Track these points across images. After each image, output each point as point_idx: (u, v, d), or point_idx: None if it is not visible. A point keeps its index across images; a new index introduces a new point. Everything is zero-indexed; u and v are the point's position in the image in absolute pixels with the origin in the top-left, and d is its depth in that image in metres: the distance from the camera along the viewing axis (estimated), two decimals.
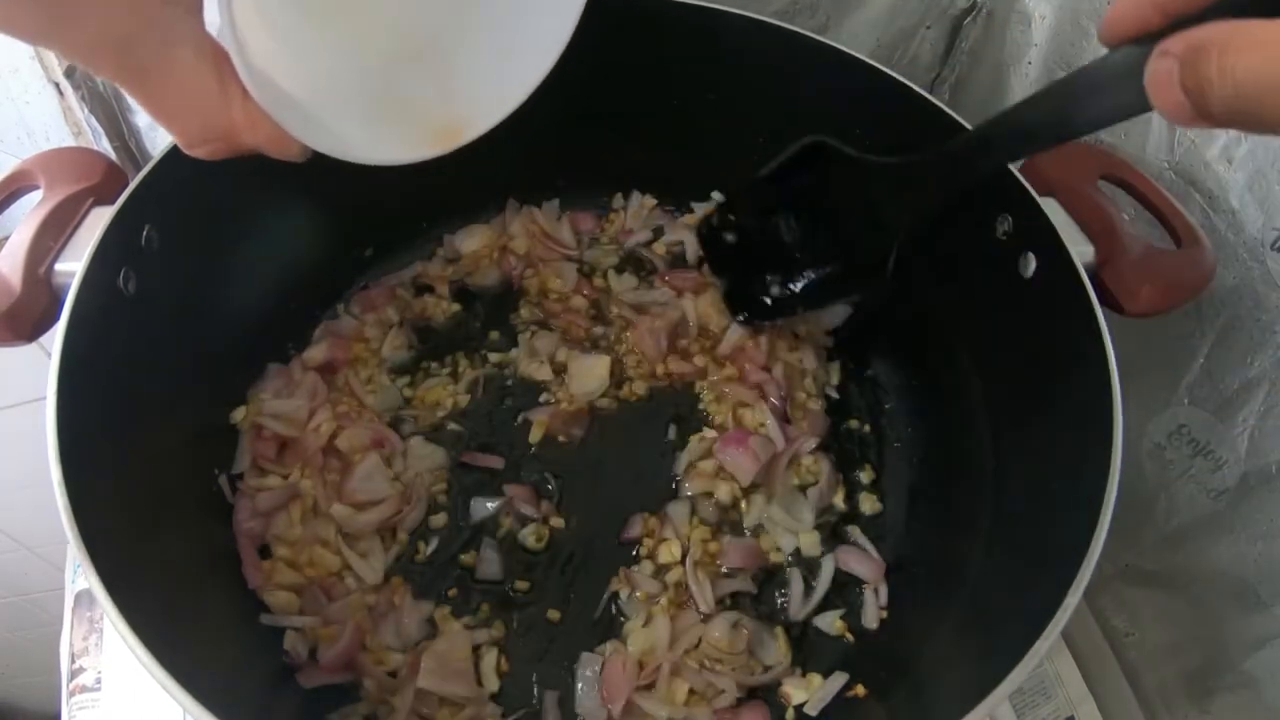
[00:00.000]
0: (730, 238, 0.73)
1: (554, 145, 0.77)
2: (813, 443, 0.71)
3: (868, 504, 0.71)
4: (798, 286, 0.70)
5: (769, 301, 0.72)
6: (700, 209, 0.83)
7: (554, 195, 0.84)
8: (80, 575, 0.82)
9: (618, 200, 0.85)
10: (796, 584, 0.67)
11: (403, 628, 0.62)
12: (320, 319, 0.76)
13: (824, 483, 0.70)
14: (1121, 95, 0.38)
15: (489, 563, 0.66)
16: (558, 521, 0.68)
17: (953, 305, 0.69)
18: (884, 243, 0.61)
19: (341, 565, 0.63)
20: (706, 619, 0.63)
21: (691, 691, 0.61)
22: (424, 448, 0.70)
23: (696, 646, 0.62)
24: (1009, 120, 0.51)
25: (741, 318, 0.75)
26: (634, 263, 0.83)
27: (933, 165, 0.57)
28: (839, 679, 0.62)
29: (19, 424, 0.95)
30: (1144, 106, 0.36)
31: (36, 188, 0.58)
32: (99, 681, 0.75)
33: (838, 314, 0.78)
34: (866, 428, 0.75)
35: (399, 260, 0.81)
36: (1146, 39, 0.35)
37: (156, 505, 0.55)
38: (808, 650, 0.65)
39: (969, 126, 0.61)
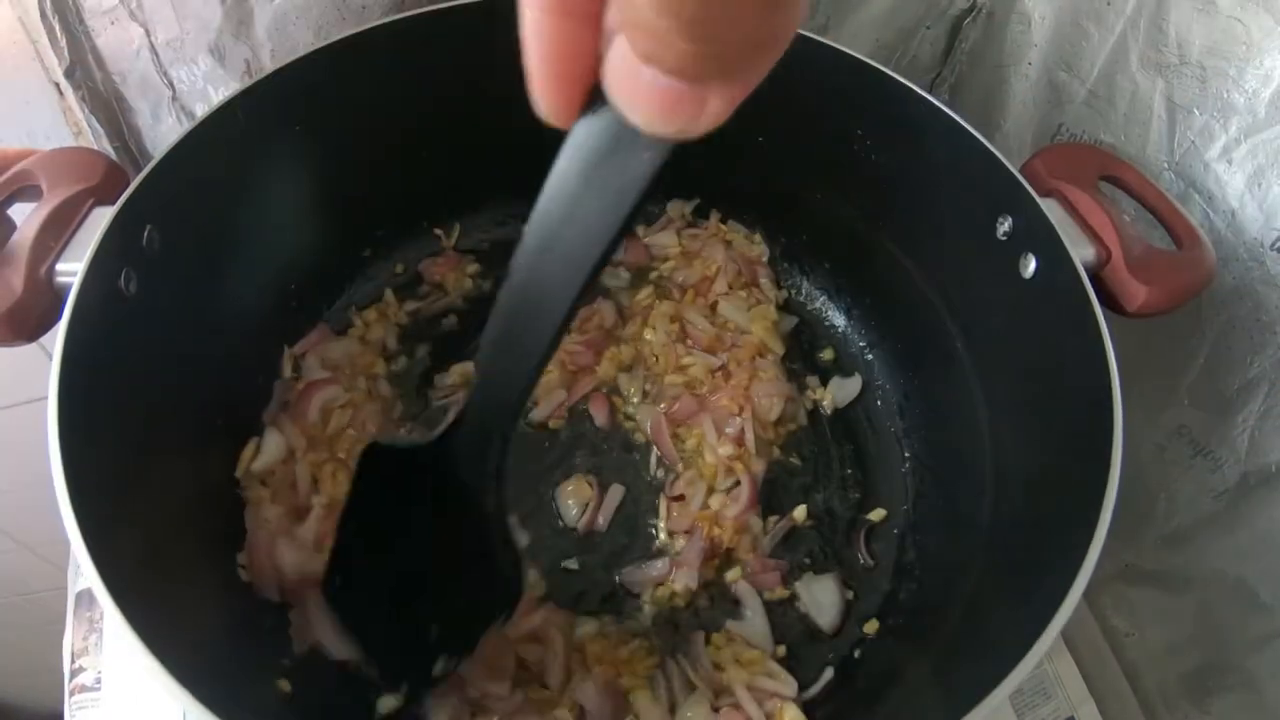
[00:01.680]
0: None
1: (552, 145, 0.78)
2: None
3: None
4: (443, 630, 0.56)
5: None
6: (671, 207, 0.83)
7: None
8: (81, 575, 0.82)
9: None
10: None
11: None
12: (320, 318, 0.76)
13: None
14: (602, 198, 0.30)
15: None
16: None
17: (953, 306, 0.69)
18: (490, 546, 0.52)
19: None
20: None
21: None
22: None
23: None
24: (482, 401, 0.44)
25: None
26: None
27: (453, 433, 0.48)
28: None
29: (19, 424, 0.95)
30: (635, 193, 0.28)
31: (37, 188, 0.58)
32: (99, 681, 0.75)
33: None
34: None
35: (399, 260, 0.81)
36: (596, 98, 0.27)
37: (157, 505, 0.55)
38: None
39: (968, 127, 0.61)
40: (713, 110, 0.25)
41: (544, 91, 0.28)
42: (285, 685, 0.58)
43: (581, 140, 0.30)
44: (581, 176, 0.31)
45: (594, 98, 0.27)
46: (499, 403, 0.43)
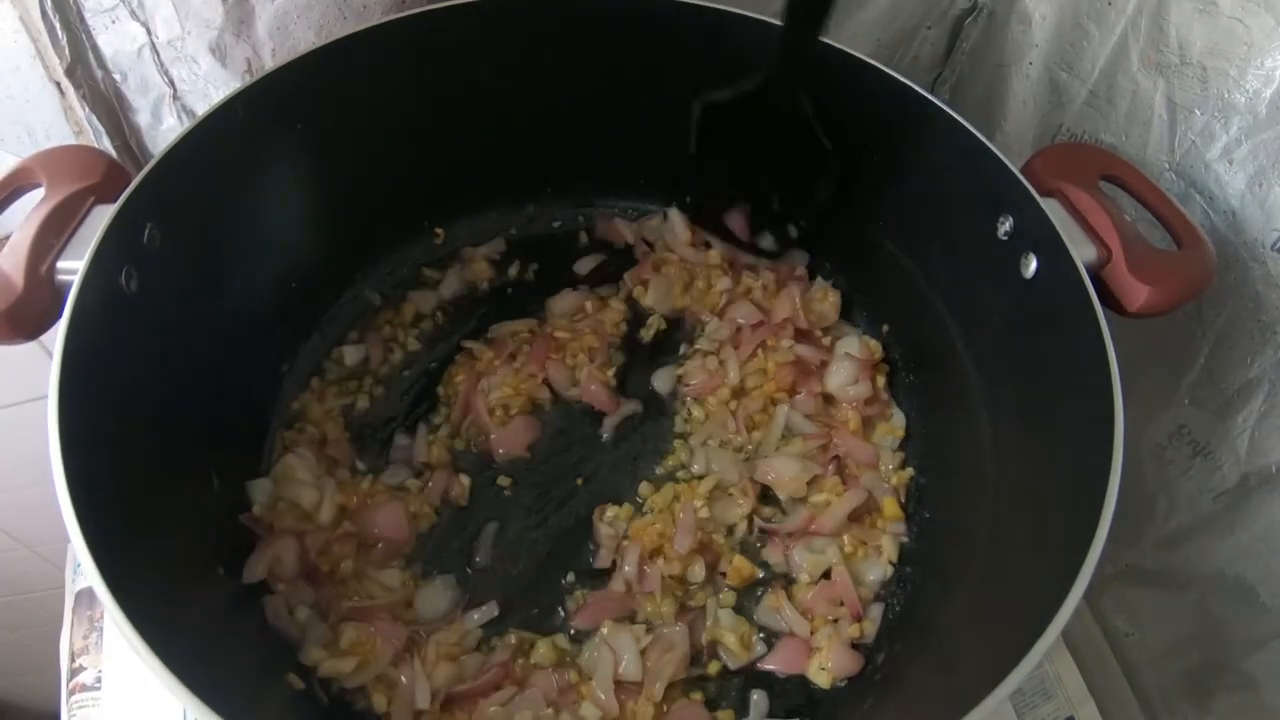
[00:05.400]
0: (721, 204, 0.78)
1: (551, 144, 0.78)
2: None
3: None
4: (784, 200, 0.76)
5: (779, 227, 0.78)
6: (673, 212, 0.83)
7: (549, 194, 0.84)
8: (80, 574, 0.82)
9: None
10: None
11: None
12: (321, 319, 0.77)
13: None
14: None
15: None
16: None
17: (953, 305, 0.69)
18: (806, 128, 0.67)
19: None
20: None
21: None
22: None
23: None
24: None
25: (769, 244, 0.79)
26: None
27: (773, 66, 0.64)
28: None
29: (19, 423, 0.95)
30: None
31: (38, 186, 0.58)
32: (99, 680, 0.75)
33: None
34: None
35: (399, 259, 0.81)
36: None
37: (157, 504, 0.55)
38: None
39: (969, 127, 0.61)
40: None
41: None
42: (297, 681, 0.58)
43: None
44: None
45: None
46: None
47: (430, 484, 0.70)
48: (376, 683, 0.60)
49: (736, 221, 0.79)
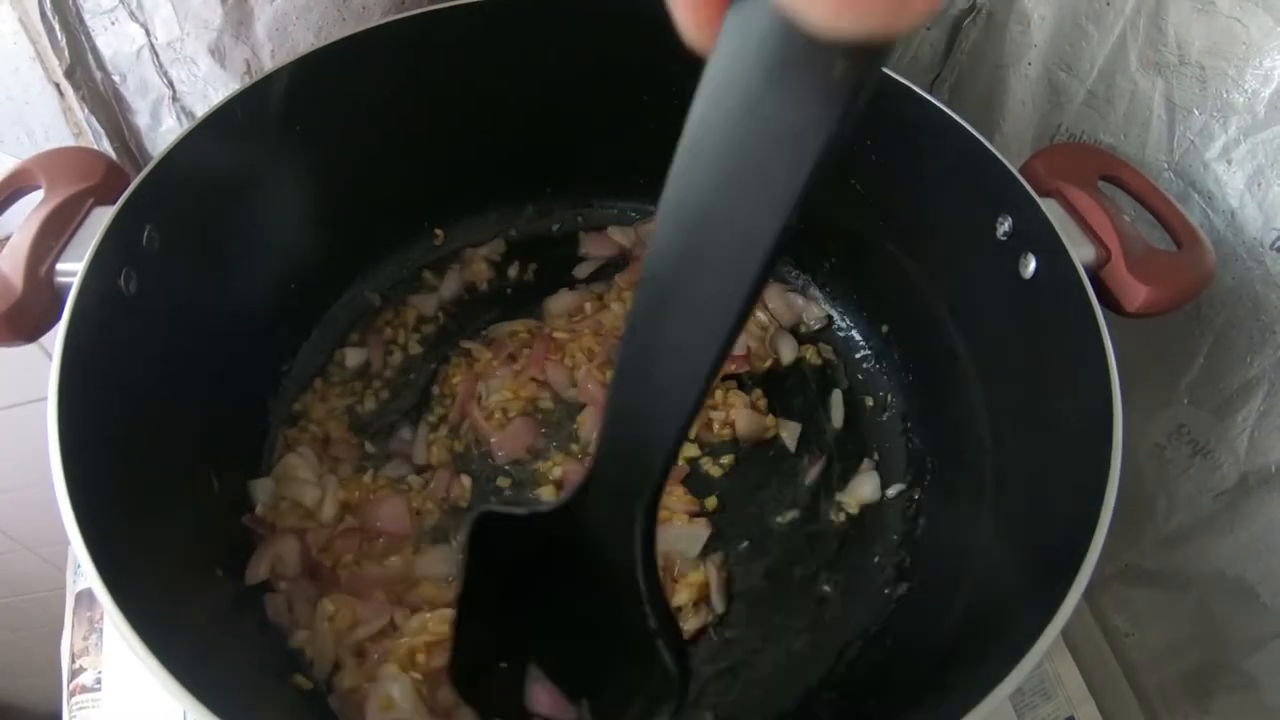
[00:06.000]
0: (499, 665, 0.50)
1: (551, 144, 0.78)
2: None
3: None
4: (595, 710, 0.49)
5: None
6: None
7: (549, 194, 0.84)
8: (80, 575, 0.82)
9: None
10: None
11: None
12: (321, 320, 0.77)
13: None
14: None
15: None
16: None
17: (953, 306, 0.69)
18: (641, 618, 0.41)
19: None
20: None
21: None
22: None
23: None
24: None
25: None
26: None
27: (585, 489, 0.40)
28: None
29: (19, 424, 0.95)
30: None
31: (37, 188, 0.58)
32: (99, 681, 0.75)
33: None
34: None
35: (399, 260, 0.81)
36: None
37: (157, 504, 0.55)
38: None
39: (968, 127, 0.61)
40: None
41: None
42: (304, 681, 0.59)
43: (733, 65, 0.22)
44: (738, 119, 0.23)
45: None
46: (639, 456, 0.33)
47: (432, 484, 0.70)
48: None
49: (539, 696, 0.50)
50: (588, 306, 0.80)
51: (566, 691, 0.48)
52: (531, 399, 0.74)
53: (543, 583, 0.46)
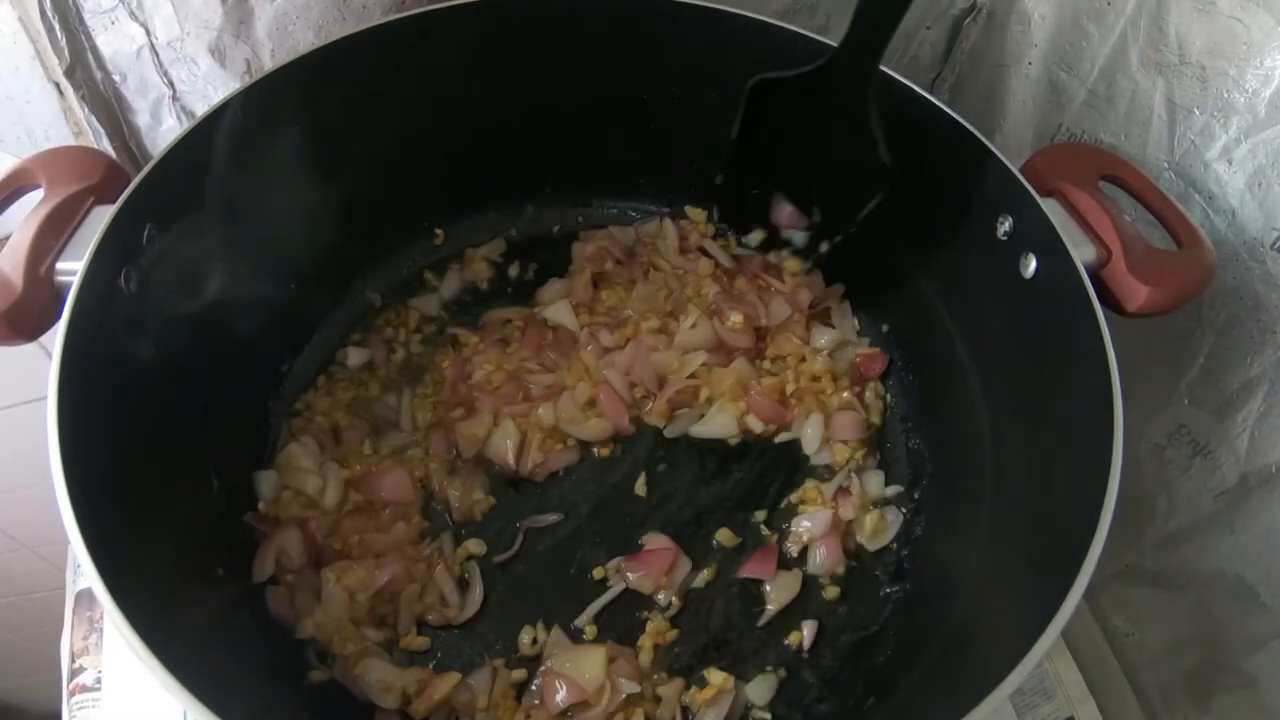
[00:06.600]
0: (752, 191, 0.74)
1: (551, 144, 0.78)
2: None
3: None
4: (825, 210, 0.72)
5: (809, 234, 0.75)
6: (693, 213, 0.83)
7: (548, 194, 0.84)
8: (80, 575, 0.82)
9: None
10: None
11: None
12: (322, 319, 0.77)
13: None
14: None
15: None
16: None
17: (953, 305, 0.69)
18: (866, 135, 0.62)
19: None
20: None
21: None
22: None
23: None
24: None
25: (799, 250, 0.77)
26: None
27: (841, 53, 0.60)
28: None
29: (19, 424, 0.95)
30: None
31: (37, 187, 0.58)
32: (99, 681, 0.75)
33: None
34: None
35: (399, 260, 0.81)
36: None
37: (157, 504, 0.55)
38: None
39: (969, 127, 0.61)
40: None
41: None
42: (319, 674, 0.60)
43: None
44: None
45: None
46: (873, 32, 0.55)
47: (429, 449, 0.72)
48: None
49: (783, 210, 0.75)
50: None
51: (803, 207, 0.73)
52: (514, 373, 0.75)
53: (791, 131, 0.67)
